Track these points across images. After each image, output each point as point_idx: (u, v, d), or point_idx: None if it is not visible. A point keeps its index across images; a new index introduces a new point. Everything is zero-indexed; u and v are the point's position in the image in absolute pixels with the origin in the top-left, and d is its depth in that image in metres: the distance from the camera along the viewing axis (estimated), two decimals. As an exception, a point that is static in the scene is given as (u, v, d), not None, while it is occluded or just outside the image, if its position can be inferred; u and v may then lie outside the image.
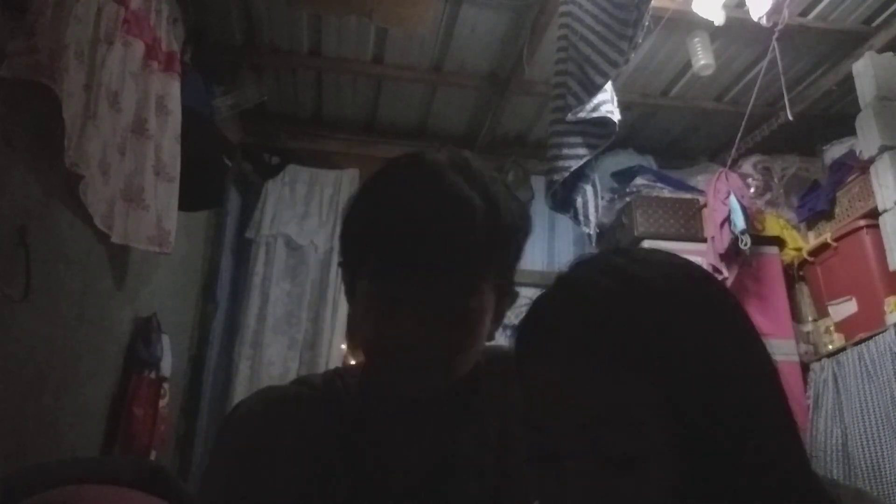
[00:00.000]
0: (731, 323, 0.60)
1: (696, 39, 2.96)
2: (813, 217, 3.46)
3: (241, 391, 3.29)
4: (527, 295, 3.02)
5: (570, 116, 2.43)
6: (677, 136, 3.98)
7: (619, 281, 0.58)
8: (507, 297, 0.88)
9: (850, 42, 3.10)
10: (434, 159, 0.85)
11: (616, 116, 2.47)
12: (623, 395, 0.54)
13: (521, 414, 0.60)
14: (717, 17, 2.61)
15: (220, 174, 2.87)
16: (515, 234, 0.84)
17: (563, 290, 0.62)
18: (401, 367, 0.80)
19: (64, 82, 1.75)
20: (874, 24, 3.00)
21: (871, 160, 2.90)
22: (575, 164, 2.50)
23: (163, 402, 2.49)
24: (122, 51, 2.11)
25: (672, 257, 0.64)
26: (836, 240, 3.21)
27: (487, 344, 0.90)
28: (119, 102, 2.10)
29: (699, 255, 3.21)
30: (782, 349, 3.22)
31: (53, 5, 1.72)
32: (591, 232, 2.65)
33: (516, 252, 0.86)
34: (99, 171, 2.00)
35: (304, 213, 3.66)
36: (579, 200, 2.61)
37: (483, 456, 0.85)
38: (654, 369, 0.54)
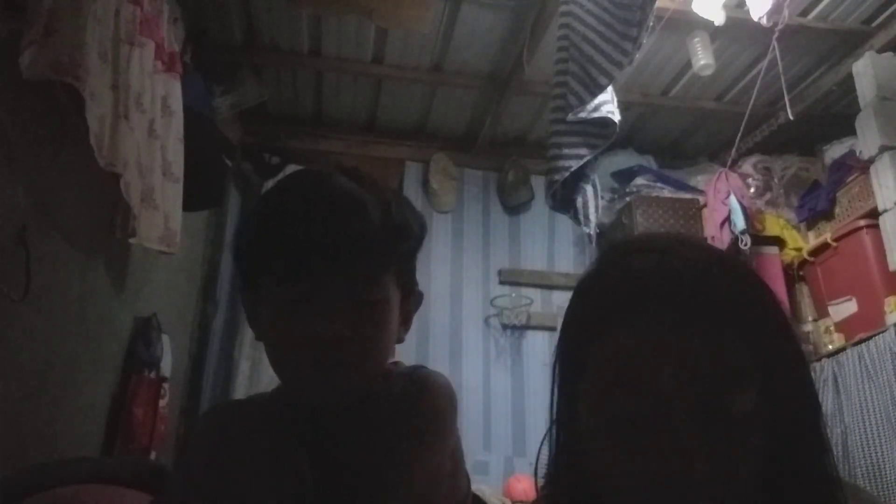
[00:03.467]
0: (781, 304, 0.65)
1: (696, 39, 2.96)
2: (813, 217, 3.46)
3: (241, 391, 3.28)
4: (527, 295, 3.05)
5: (570, 116, 2.43)
6: (677, 136, 3.98)
7: (702, 252, 0.62)
8: (412, 296, 0.91)
9: (850, 42, 3.10)
10: (319, 168, 0.89)
11: (617, 117, 2.48)
12: (730, 354, 0.57)
13: (609, 375, 0.60)
14: (717, 17, 2.61)
15: (220, 174, 2.87)
16: (408, 229, 0.87)
17: (650, 255, 0.62)
18: (315, 370, 0.81)
19: (87, 81, 1.76)
20: (874, 24, 3.00)
21: (871, 160, 2.90)
22: (575, 164, 2.50)
23: (163, 402, 2.49)
24: (139, 52, 2.13)
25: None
26: (836, 240, 3.21)
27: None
28: (142, 104, 2.12)
29: (699, 255, 3.21)
30: (782, 349, 3.22)
31: (70, 5, 1.73)
32: (591, 232, 2.65)
33: (413, 249, 0.89)
34: (137, 172, 2.03)
35: (304, 213, 3.65)
36: (579, 200, 2.61)
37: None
38: (751, 333, 0.58)
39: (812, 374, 0.64)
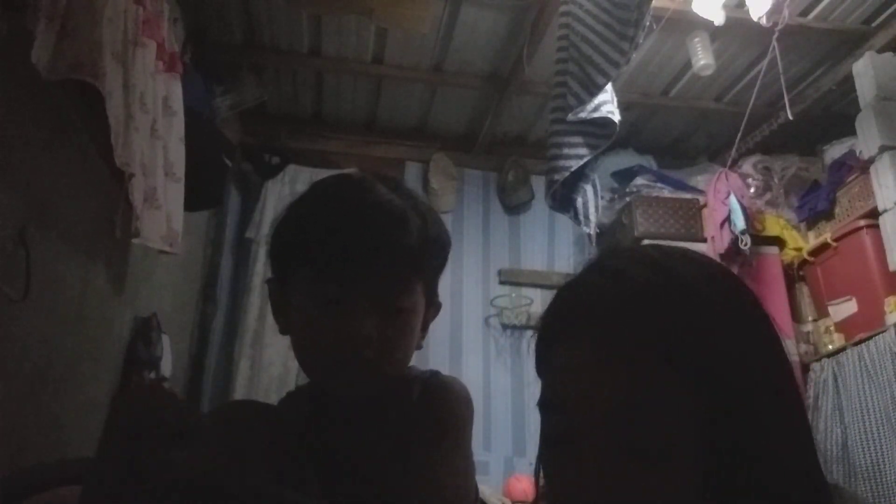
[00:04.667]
0: (762, 330, 0.60)
1: (696, 39, 2.96)
2: (813, 217, 3.46)
3: (241, 391, 3.28)
4: (527, 295, 3.06)
5: (570, 116, 2.43)
6: (677, 136, 3.98)
7: (658, 274, 0.58)
8: (432, 307, 0.93)
9: (850, 42, 3.10)
10: (362, 175, 0.92)
11: (617, 117, 2.48)
12: (653, 386, 0.53)
13: (543, 395, 0.60)
14: (717, 17, 2.61)
15: (220, 174, 2.87)
16: (441, 244, 0.90)
17: (599, 275, 0.60)
18: (339, 368, 0.83)
19: (105, 81, 1.77)
20: (874, 24, 3.00)
21: (871, 160, 2.90)
22: (575, 164, 2.50)
23: (163, 403, 2.49)
24: (142, 52, 2.13)
25: (707, 259, 0.65)
26: (836, 240, 3.21)
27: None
28: (145, 104, 2.13)
29: (699, 255, 3.21)
30: (782, 349, 3.21)
31: (86, 4, 1.73)
32: (591, 232, 2.65)
33: (441, 263, 0.91)
34: (141, 172, 2.04)
35: (304, 213, 3.65)
36: (579, 200, 2.61)
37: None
38: (688, 364, 0.54)
39: (802, 399, 0.60)
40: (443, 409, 0.90)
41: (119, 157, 1.87)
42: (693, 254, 0.64)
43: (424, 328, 0.93)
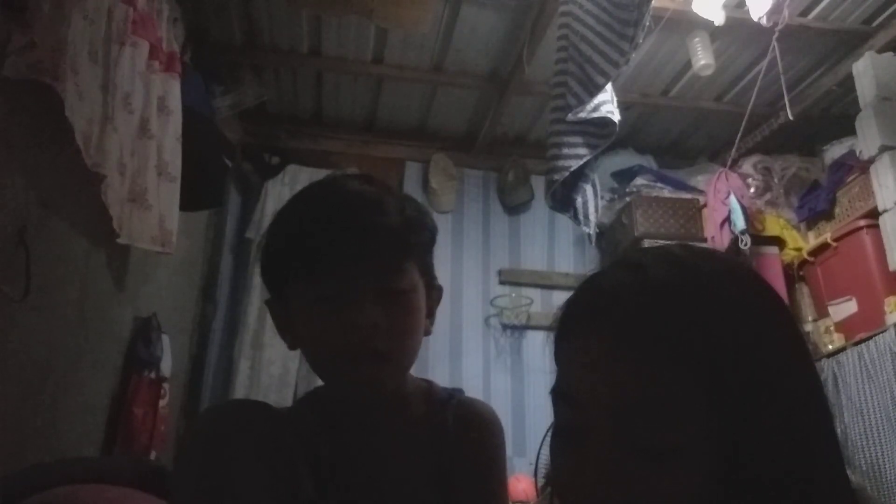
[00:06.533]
0: (786, 335, 0.59)
1: (696, 39, 2.96)
2: (813, 217, 3.46)
3: (241, 391, 3.29)
4: (527, 295, 3.05)
5: (570, 116, 2.43)
6: (677, 136, 3.98)
7: (677, 270, 0.57)
8: (433, 290, 0.94)
9: (850, 42, 3.10)
10: (331, 176, 0.97)
11: (616, 117, 2.47)
12: (666, 385, 0.53)
13: (556, 384, 0.60)
14: (717, 17, 2.61)
15: (220, 174, 2.87)
16: (423, 221, 0.91)
17: (623, 271, 0.60)
18: (353, 364, 0.83)
19: (68, 81, 1.75)
20: (874, 24, 3.00)
21: (871, 160, 2.90)
22: (575, 164, 2.50)
23: (163, 402, 2.49)
24: (131, 51, 2.12)
25: (733, 259, 0.65)
26: (836, 240, 3.21)
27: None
28: (130, 103, 2.12)
29: (699, 255, 3.21)
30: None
31: (52, 3, 1.72)
32: (591, 232, 2.65)
33: (429, 241, 0.92)
34: (117, 172, 2.02)
35: (304, 213, 3.65)
36: (579, 200, 2.61)
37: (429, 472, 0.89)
38: (703, 365, 0.53)
39: (827, 403, 0.58)
40: (489, 444, 0.92)
41: (90, 157, 1.85)
42: (720, 254, 0.64)
43: (430, 314, 0.93)
